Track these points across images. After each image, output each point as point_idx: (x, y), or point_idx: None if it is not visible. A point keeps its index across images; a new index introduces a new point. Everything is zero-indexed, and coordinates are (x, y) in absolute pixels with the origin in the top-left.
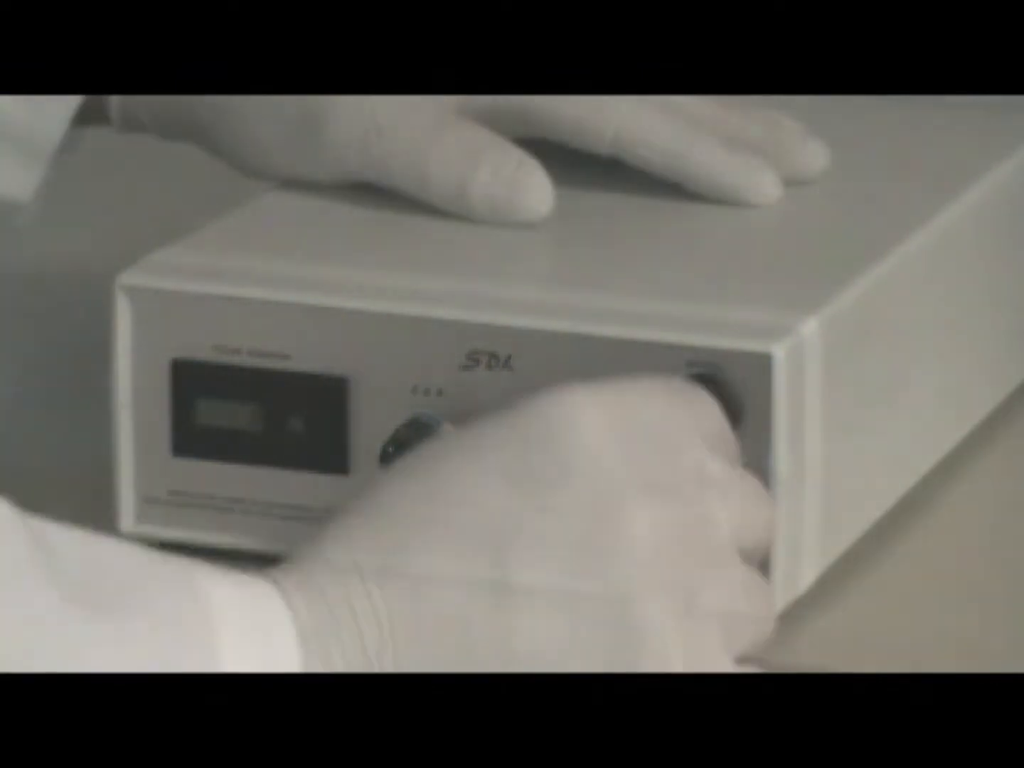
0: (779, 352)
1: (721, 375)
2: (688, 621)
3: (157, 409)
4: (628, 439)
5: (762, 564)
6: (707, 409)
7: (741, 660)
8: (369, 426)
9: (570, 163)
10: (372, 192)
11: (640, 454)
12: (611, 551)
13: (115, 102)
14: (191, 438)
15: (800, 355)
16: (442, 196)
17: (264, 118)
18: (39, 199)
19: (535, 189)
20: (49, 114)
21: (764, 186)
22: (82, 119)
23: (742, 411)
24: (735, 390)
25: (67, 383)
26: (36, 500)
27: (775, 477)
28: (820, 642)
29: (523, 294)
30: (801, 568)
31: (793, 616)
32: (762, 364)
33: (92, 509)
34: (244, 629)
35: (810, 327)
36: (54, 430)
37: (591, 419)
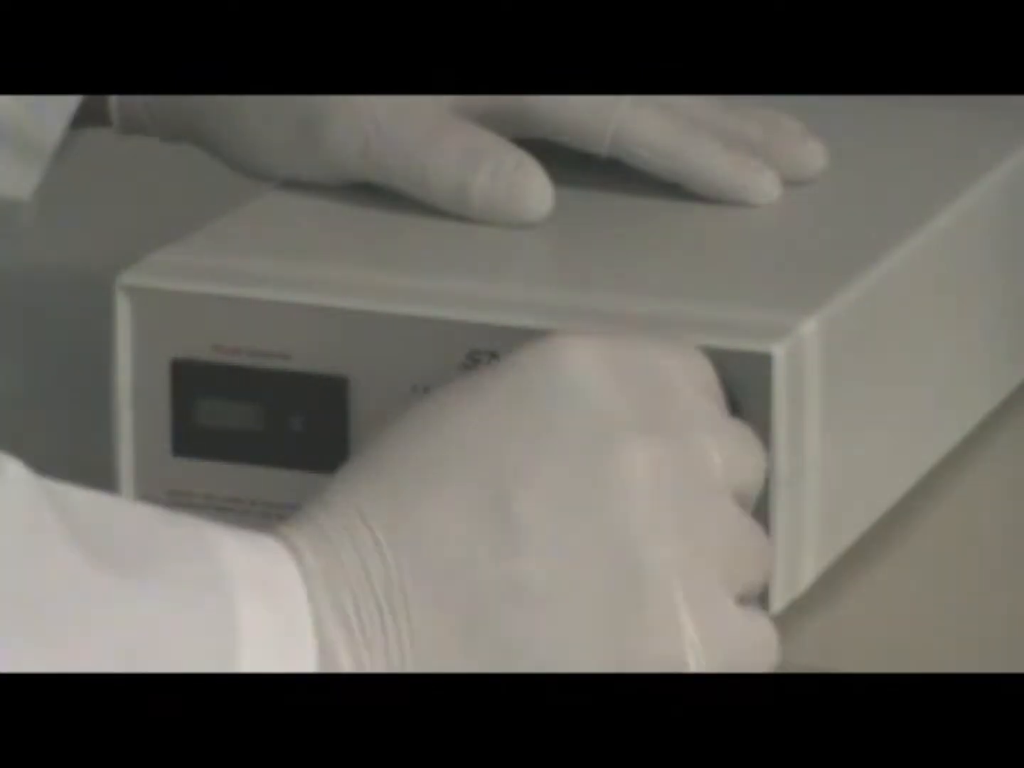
0: (779, 352)
1: (720, 375)
2: (688, 557)
3: (157, 409)
4: (623, 381)
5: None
6: (698, 361)
7: (741, 600)
8: (369, 426)
9: (570, 163)
10: (372, 192)
11: (635, 395)
12: (609, 489)
13: (115, 103)
14: (191, 438)
15: (800, 355)
16: (442, 196)
17: (264, 118)
18: (39, 199)
19: (535, 189)
20: (48, 114)
21: (763, 186)
22: (82, 120)
23: (741, 411)
24: (734, 390)
25: (67, 383)
26: None
27: (775, 477)
28: (820, 642)
29: (523, 294)
30: (801, 568)
31: (793, 616)
32: (762, 364)
33: None
34: (255, 583)
35: (810, 327)
36: (54, 430)
37: (586, 362)
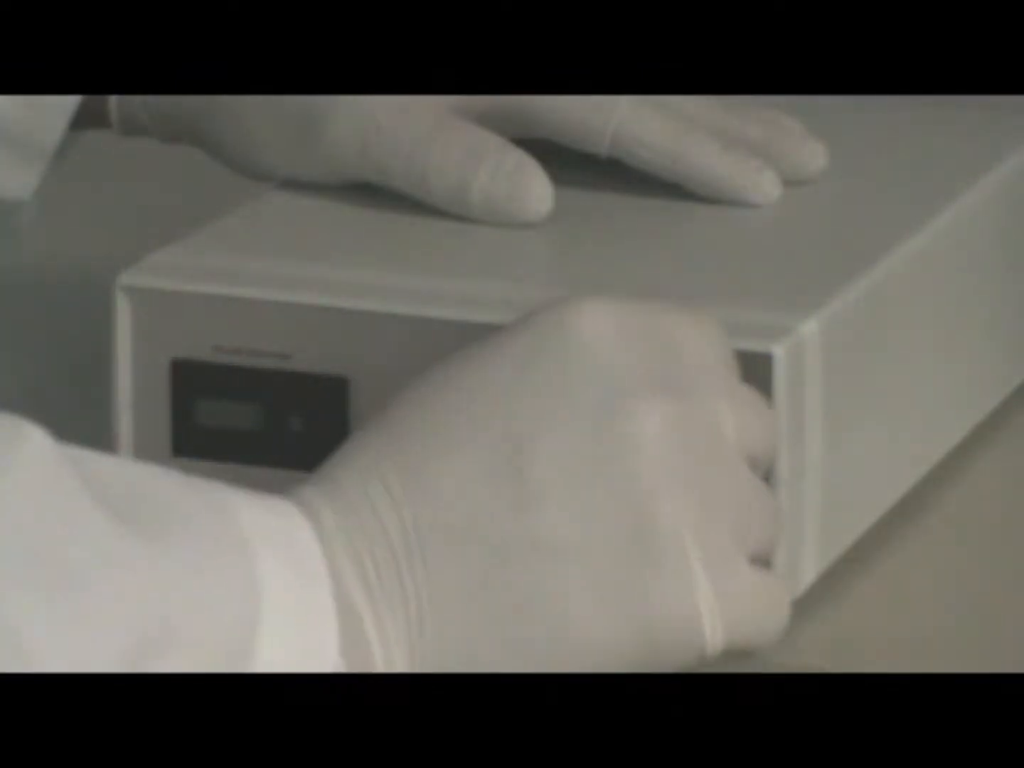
0: (779, 352)
1: None
2: (700, 514)
3: (157, 409)
4: (638, 341)
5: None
6: (713, 328)
7: (754, 560)
8: None
9: (570, 163)
10: (372, 192)
11: (649, 355)
12: (622, 447)
13: (114, 104)
14: (191, 438)
15: (800, 355)
16: (441, 197)
17: (264, 119)
18: (39, 199)
19: (535, 189)
20: (48, 114)
21: (763, 186)
22: (82, 121)
23: None
24: None
25: (67, 383)
26: None
27: (775, 477)
28: (820, 642)
29: (523, 294)
30: (801, 568)
31: (793, 616)
32: (762, 364)
33: None
34: (275, 544)
35: (810, 327)
36: (54, 430)
37: (601, 323)
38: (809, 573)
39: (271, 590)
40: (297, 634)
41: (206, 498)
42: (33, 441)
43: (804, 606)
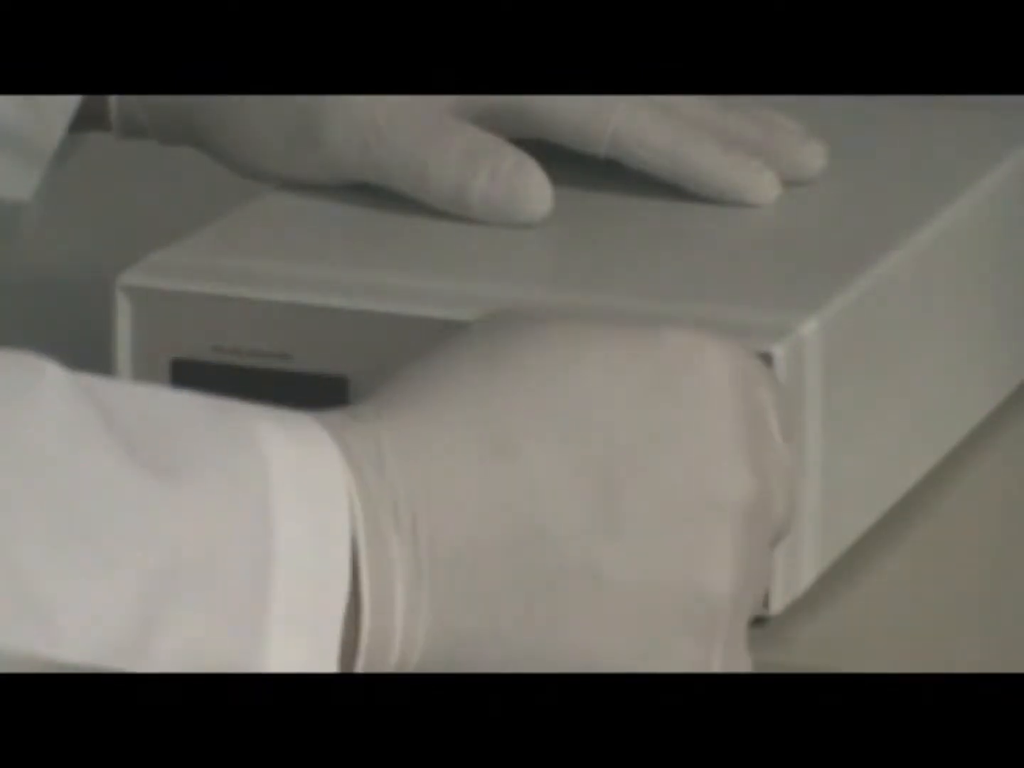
0: (779, 352)
1: None
2: (741, 591)
3: None
4: (744, 398)
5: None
6: (782, 393)
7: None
8: None
9: (569, 163)
10: (372, 192)
11: (750, 416)
12: (705, 507)
13: (114, 107)
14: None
15: (800, 355)
16: (441, 197)
17: (263, 120)
18: (39, 200)
19: (534, 190)
20: (48, 116)
21: (762, 186)
22: (82, 124)
23: None
24: None
25: None
26: None
27: None
28: (820, 642)
29: (523, 294)
30: (801, 568)
31: (793, 616)
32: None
33: None
34: (300, 485)
35: (810, 327)
36: None
37: (722, 368)
38: (809, 573)
39: (286, 529)
40: (311, 571)
41: (227, 428)
42: (47, 374)
43: (804, 606)
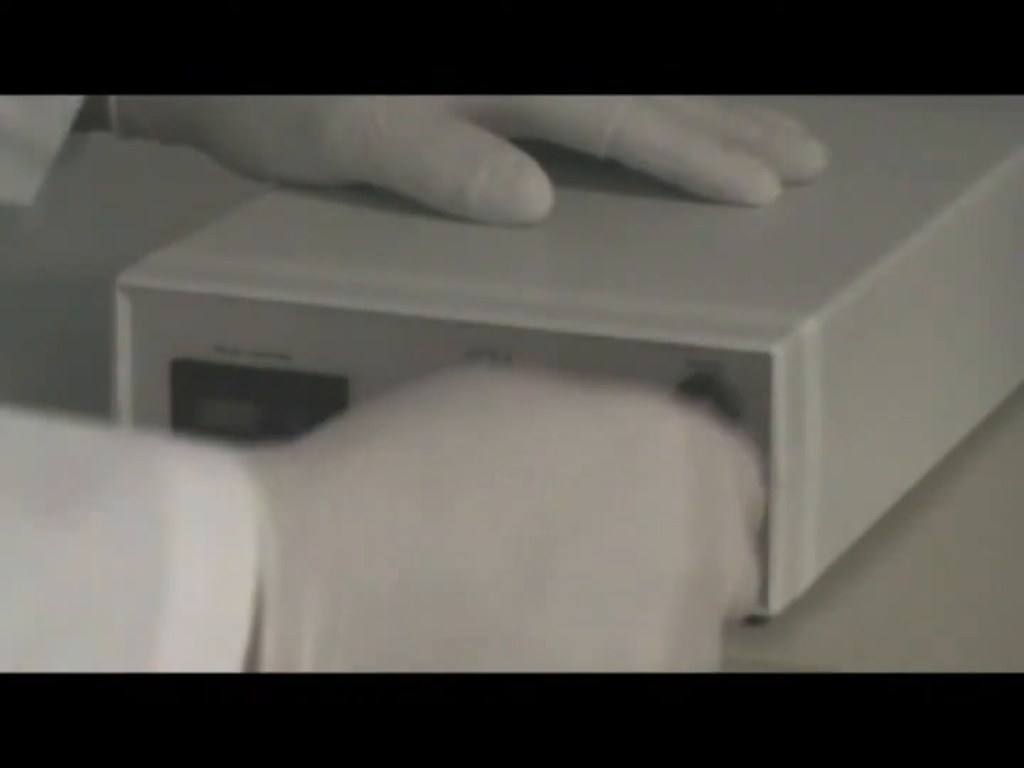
0: (779, 352)
1: (720, 375)
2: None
3: (157, 409)
4: (700, 475)
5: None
6: (751, 472)
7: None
8: None
9: (569, 163)
10: (372, 192)
11: (703, 494)
12: (646, 581)
13: (115, 107)
14: (191, 438)
15: (800, 355)
16: (440, 197)
17: (263, 120)
18: (40, 201)
19: (534, 190)
20: (49, 117)
21: (762, 186)
22: (82, 125)
23: (741, 411)
24: (734, 390)
25: (67, 383)
26: None
27: (774, 477)
28: (820, 642)
29: (523, 294)
30: (801, 568)
31: (793, 616)
32: (762, 364)
33: None
34: (203, 530)
35: (810, 327)
36: None
37: (679, 443)
38: (809, 573)
39: (180, 576)
40: (206, 621)
41: (127, 467)
42: None
43: (804, 606)
